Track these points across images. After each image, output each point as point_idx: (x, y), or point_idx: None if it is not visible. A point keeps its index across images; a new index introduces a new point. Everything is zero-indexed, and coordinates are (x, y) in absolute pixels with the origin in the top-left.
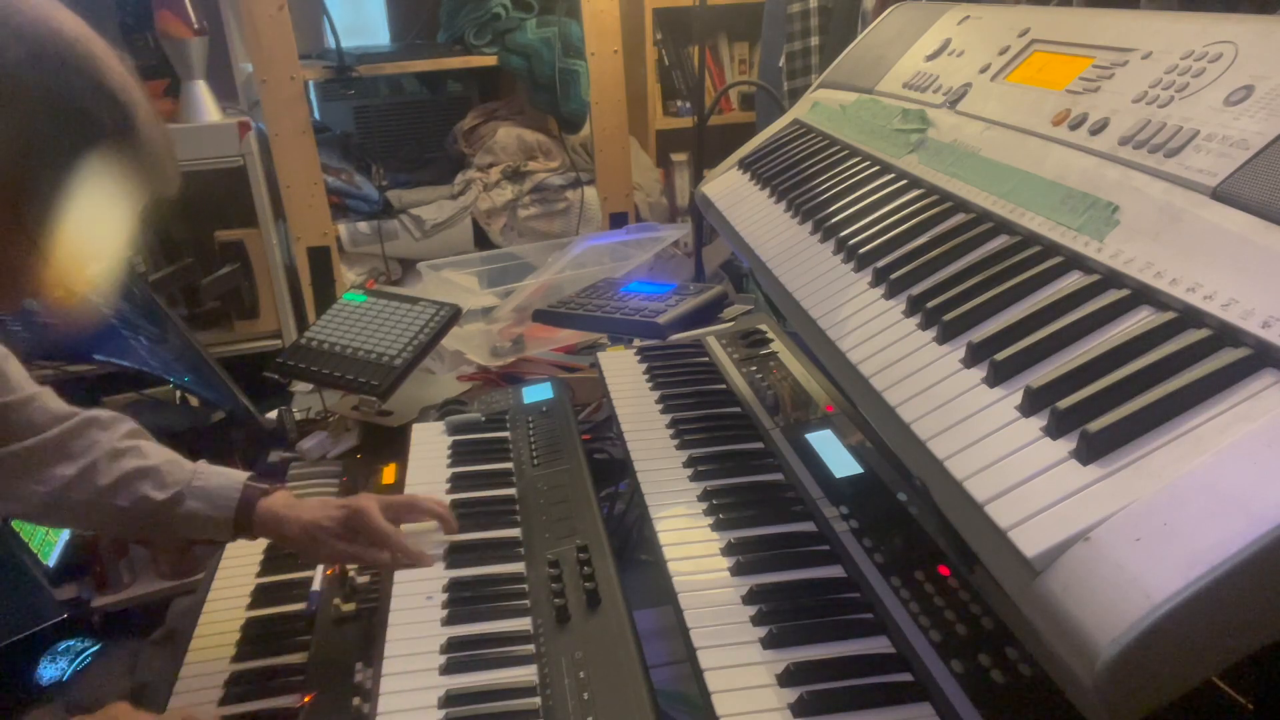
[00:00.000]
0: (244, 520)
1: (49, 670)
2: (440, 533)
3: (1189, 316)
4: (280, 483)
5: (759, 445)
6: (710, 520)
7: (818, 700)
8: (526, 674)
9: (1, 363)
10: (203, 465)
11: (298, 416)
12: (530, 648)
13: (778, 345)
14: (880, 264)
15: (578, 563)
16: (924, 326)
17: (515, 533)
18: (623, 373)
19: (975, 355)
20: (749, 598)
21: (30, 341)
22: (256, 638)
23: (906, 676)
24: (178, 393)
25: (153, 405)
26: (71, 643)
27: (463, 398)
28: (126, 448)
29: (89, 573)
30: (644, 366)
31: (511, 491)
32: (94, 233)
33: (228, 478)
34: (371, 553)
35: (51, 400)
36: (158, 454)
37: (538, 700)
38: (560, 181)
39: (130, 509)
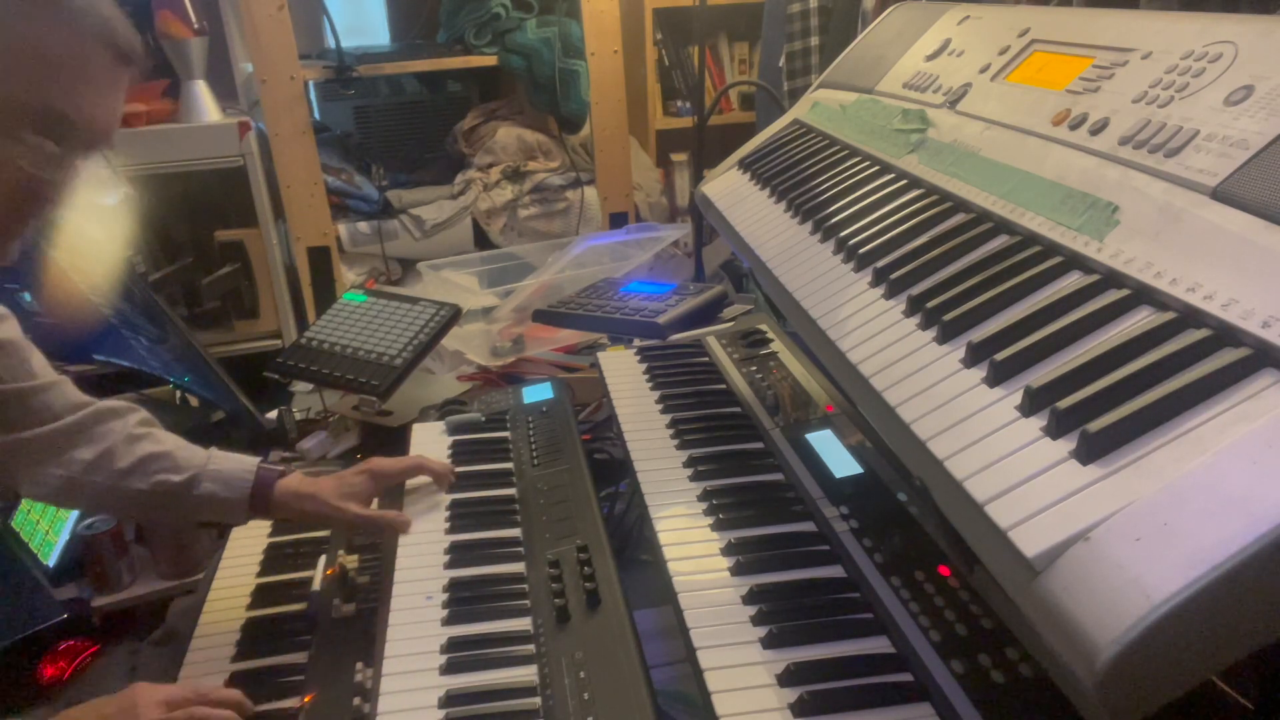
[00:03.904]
0: (260, 501)
1: (49, 670)
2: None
3: (1189, 316)
4: (289, 466)
5: (759, 445)
6: (710, 520)
7: (818, 700)
8: (527, 674)
9: (25, 351)
10: (214, 451)
11: (298, 416)
12: (530, 648)
13: (778, 345)
14: (880, 264)
15: (578, 563)
16: (924, 326)
17: (515, 533)
18: (623, 373)
19: (975, 355)
20: (749, 598)
21: (31, 341)
22: (256, 638)
23: (906, 676)
24: (178, 393)
25: (153, 405)
26: (71, 642)
27: (463, 398)
28: (141, 434)
29: (89, 573)
30: (644, 366)
31: (511, 491)
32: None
33: (240, 461)
34: (390, 516)
35: (70, 389)
36: (170, 440)
37: (538, 700)
38: (560, 181)
39: (148, 492)
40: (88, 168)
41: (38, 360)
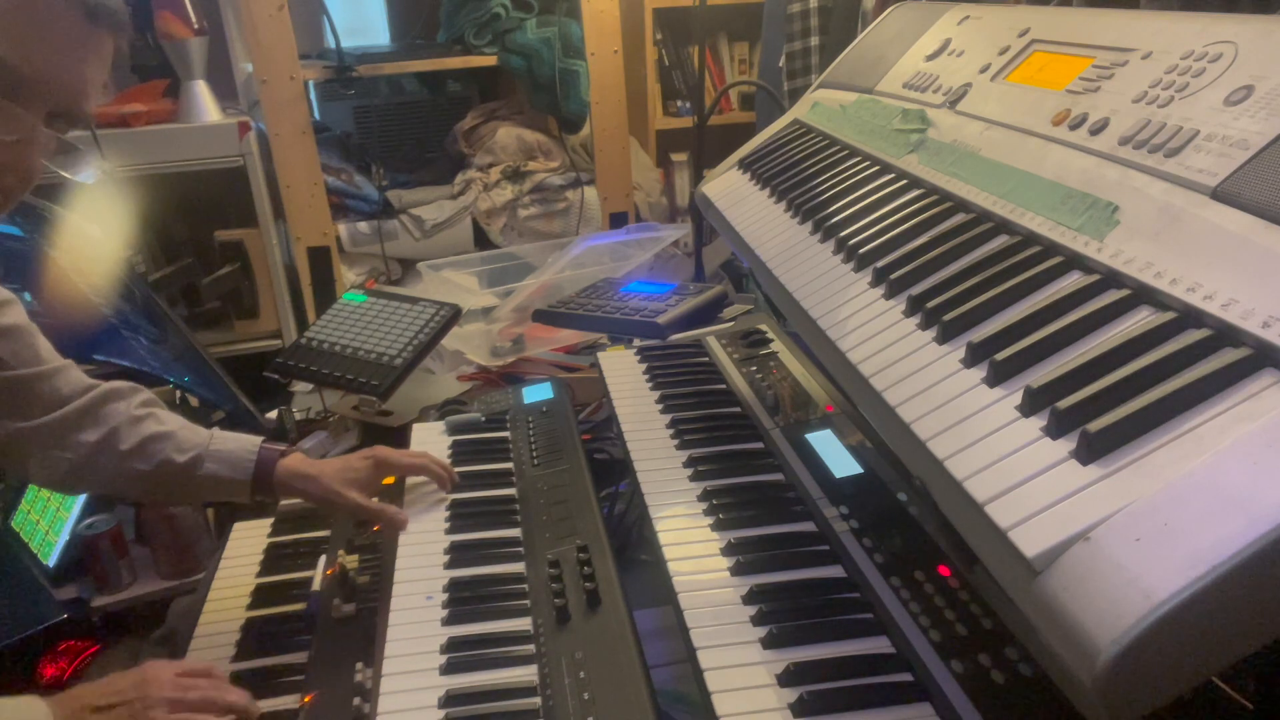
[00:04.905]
0: (263, 481)
1: (49, 670)
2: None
3: (1189, 316)
4: (292, 446)
5: (759, 445)
6: (710, 520)
7: (818, 700)
8: (527, 674)
9: (31, 336)
10: (217, 431)
11: (298, 416)
12: (530, 648)
13: (778, 345)
14: (880, 264)
15: (578, 563)
16: (924, 326)
17: (515, 533)
18: (623, 373)
19: (975, 355)
20: (749, 598)
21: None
22: (256, 638)
23: (906, 676)
24: (178, 393)
25: None
26: (71, 642)
27: (463, 398)
28: (144, 414)
29: (89, 573)
30: (644, 366)
31: (511, 491)
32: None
33: (243, 441)
34: (390, 510)
35: (75, 373)
36: (173, 420)
37: (538, 700)
38: (560, 181)
39: (152, 472)
40: (60, 139)
41: (44, 345)
